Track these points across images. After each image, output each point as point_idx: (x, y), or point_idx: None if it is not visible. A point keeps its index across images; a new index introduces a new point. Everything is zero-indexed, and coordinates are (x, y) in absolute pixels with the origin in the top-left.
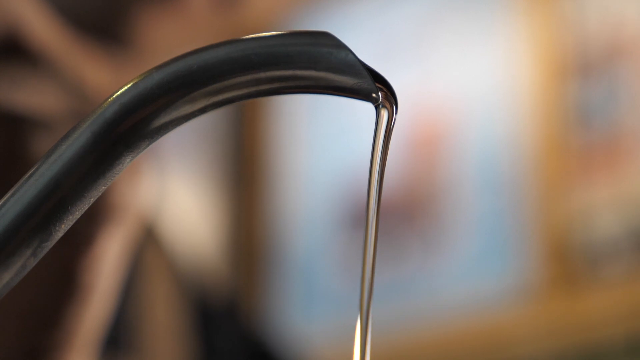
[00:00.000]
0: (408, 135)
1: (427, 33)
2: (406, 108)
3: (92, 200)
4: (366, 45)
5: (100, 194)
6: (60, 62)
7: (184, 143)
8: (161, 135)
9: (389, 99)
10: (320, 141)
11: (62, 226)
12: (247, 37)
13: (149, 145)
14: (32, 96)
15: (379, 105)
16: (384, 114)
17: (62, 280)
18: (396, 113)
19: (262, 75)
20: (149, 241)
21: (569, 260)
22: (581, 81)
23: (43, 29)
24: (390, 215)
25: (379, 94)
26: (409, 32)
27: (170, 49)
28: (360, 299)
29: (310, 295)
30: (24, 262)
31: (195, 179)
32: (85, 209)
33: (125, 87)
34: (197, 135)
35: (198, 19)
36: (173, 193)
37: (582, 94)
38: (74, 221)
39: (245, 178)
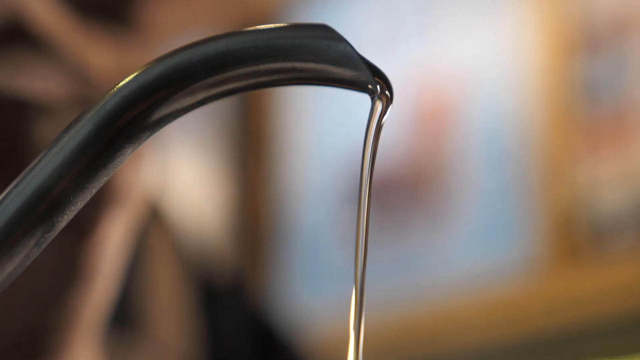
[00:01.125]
0: (414, 111)
1: (433, 8)
2: (412, 84)
3: (94, 191)
4: (372, 20)
5: (102, 184)
6: (64, 46)
7: (188, 121)
8: (161, 127)
9: (386, 91)
10: (326, 117)
11: (65, 217)
12: (247, 29)
13: (149, 136)
14: (35, 81)
15: (374, 97)
16: (379, 105)
17: (65, 263)
18: (391, 105)
19: (262, 67)
20: (152, 221)
21: (574, 236)
22: (588, 56)
23: (46, 12)
24: (395, 190)
25: (377, 86)
26: (415, 7)
27: (174, 31)
28: (355, 280)
29: (316, 272)
30: (27, 253)
31: (199, 157)
32: (88, 199)
33: (127, 80)
34: (201, 112)
35: (202, 0)
36: (177, 172)
37: (589, 69)
38: (76, 211)
39: (249, 155)
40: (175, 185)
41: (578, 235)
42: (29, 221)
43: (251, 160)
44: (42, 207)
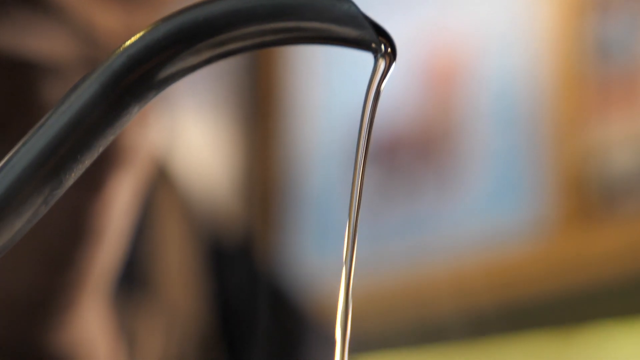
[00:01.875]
0: (423, 71)
1: None
2: (422, 43)
3: (100, 150)
4: None
5: (108, 143)
6: (70, 7)
7: (197, 82)
8: (167, 86)
9: (389, 50)
10: (336, 78)
11: (72, 175)
12: None
13: (155, 95)
14: (42, 42)
15: (377, 56)
16: (382, 64)
17: (74, 222)
18: (394, 64)
19: (266, 26)
20: (160, 181)
21: (585, 196)
22: (600, 14)
23: None
24: (405, 151)
25: (380, 45)
26: None
27: None
28: (346, 242)
29: (325, 233)
30: (36, 210)
31: (208, 118)
32: (95, 157)
33: (133, 39)
34: (210, 71)
35: None
36: (185, 133)
37: (601, 28)
38: (84, 170)
39: (259, 115)
40: (183, 146)
41: (589, 196)
42: (36, 179)
43: (260, 122)
44: (49, 165)
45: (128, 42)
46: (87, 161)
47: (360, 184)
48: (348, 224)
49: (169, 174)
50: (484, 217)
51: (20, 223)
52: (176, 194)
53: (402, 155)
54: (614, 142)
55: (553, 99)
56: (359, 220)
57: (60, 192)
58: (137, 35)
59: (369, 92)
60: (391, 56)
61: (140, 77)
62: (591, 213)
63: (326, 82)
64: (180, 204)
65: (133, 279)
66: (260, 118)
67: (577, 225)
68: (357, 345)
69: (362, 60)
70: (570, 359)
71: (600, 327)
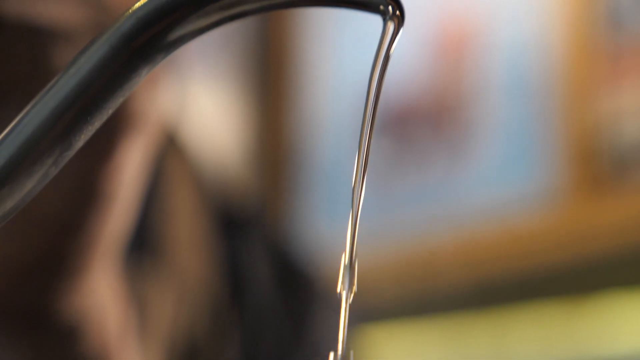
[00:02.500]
0: (435, 40)
1: None
2: (434, 12)
3: (110, 112)
4: None
5: (118, 105)
6: None
7: (207, 48)
8: (176, 48)
9: (397, 12)
10: (348, 46)
11: (82, 136)
12: None
13: (164, 57)
14: (52, 7)
15: (386, 18)
16: (390, 27)
17: (84, 188)
18: (402, 27)
19: None
20: (171, 149)
21: (596, 166)
22: None
23: None
24: (416, 121)
25: (388, 7)
26: None
27: None
28: (351, 211)
29: (335, 202)
30: (46, 171)
31: (218, 84)
32: (104, 119)
33: (142, 1)
34: (221, 39)
35: None
36: (196, 100)
37: None
38: (94, 131)
39: (270, 83)
40: (194, 115)
41: (599, 166)
42: (47, 140)
43: (271, 90)
44: (59, 127)
45: (137, 5)
46: (97, 123)
47: (367, 149)
48: (353, 187)
49: (179, 142)
50: (495, 187)
51: (31, 184)
52: (186, 162)
53: (413, 126)
54: (624, 112)
55: (564, 68)
56: (364, 185)
57: (71, 153)
58: None
59: (378, 56)
60: (399, 19)
61: (149, 40)
62: (602, 183)
63: (337, 50)
64: (191, 171)
65: (144, 245)
66: (271, 86)
67: (587, 195)
68: (369, 314)
69: (373, 27)
70: (580, 327)
71: (610, 296)
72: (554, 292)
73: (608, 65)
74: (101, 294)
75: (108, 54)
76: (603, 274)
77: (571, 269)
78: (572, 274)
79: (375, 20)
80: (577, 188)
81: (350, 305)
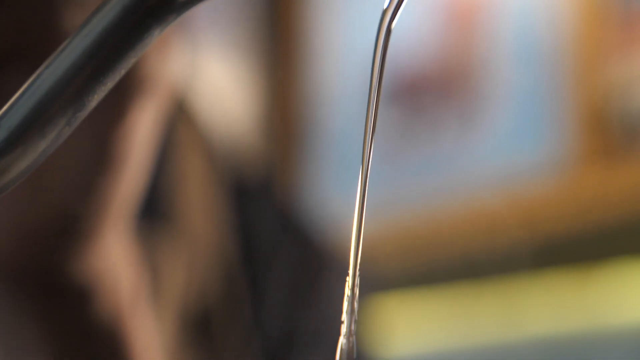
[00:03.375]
0: (444, 9)
1: None
2: None
3: (122, 72)
4: None
5: (130, 65)
6: None
7: (218, 17)
8: (188, 9)
9: None
10: (357, 15)
11: (95, 97)
12: None
13: (176, 18)
14: None
15: None
16: None
17: (97, 150)
18: None
19: None
20: (181, 116)
21: (606, 133)
22: None
23: None
24: (425, 90)
25: None
26: None
27: None
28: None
29: (345, 171)
30: (59, 132)
31: (229, 53)
32: (117, 80)
33: None
34: (231, 8)
35: None
36: (206, 68)
37: None
38: (106, 92)
39: (280, 51)
40: (204, 83)
41: (610, 133)
42: (60, 100)
43: (282, 58)
44: (72, 87)
45: None
46: (110, 83)
47: (375, 115)
48: (363, 154)
49: (189, 110)
50: (505, 156)
51: (45, 144)
52: (197, 129)
53: (423, 95)
54: (635, 79)
55: (574, 36)
56: (372, 154)
57: (83, 114)
58: None
59: (382, 22)
60: None
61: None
62: (612, 150)
63: (346, 19)
64: (201, 139)
65: (155, 211)
66: (281, 54)
67: (598, 162)
68: (378, 284)
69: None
70: (590, 295)
71: (621, 263)
72: (564, 261)
73: (618, 32)
74: (114, 258)
75: (120, 14)
76: (614, 241)
77: (582, 236)
78: (583, 241)
79: None
80: (587, 156)
81: (359, 275)
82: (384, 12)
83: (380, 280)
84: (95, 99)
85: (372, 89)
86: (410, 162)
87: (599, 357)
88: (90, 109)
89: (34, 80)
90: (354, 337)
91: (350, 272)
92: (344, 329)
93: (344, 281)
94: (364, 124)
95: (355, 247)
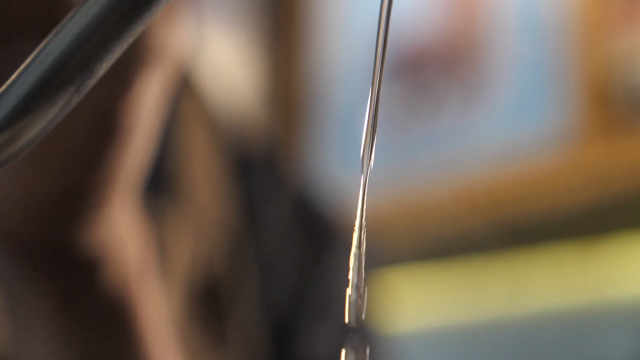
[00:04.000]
0: None
1: None
2: None
3: (130, 40)
4: None
5: (138, 33)
6: None
7: None
8: None
9: None
10: None
11: (104, 64)
12: None
13: None
14: None
15: None
16: None
17: (103, 120)
18: None
19: None
20: (186, 90)
21: (611, 106)
22: None
23: None
24: (430, 65)
25: None
26: None
27: None
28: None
29: (349, 145)
30: (68, 99)
31: (233, 27)
32: (125, 48)
33: None
34: None
35: None
36: (211, 42)
37: None
38: (114, 60)
39: (284, 26)
40: (209, 56)
41: (614, 106)
42: (69, 67)
43: (287, 32)
44: (81, 54)
45: None
46: (118, 51)
47: (378, 91)
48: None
49: (194, 84)
50: (509, 130)
51: (54, 112)
52: (201, 104)
53: (427, 69)
54: (639, 52)
55: (578, 9)
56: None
57: (92, 81)
58: None
59: None
60: None
61: None
62: (616, 124)
63: None
64: (206, 112)
65: (161, 184)
66: (286, 29)
67: (602, 136)
68: (384, 258)
69: None
70: (594, 269)
71: (625, 237)
72: (569, 234)
73: (622, 5)
74: (121, 229)
75: None
76: (618, 215)
77: (586, 210)
78: (587, 215)
79: None
80: (591, 130)
81: (364, 249)
82: None
83: (385, 255)
84: (103, 67)
85: (377, 61)
86: (414, 137)
87: (603, 331)
88: (99, 76)
89: (43, 48)
90: (364, 295)
91: (357, 222)
92: (351, 284)
93: (349, 253)
94: (368, 98)
95: (361, 202)
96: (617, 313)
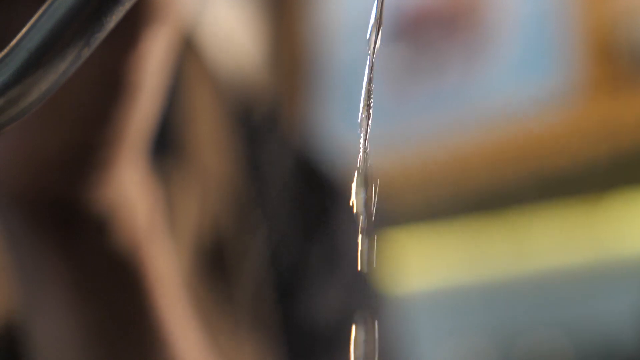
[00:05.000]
0: None
1: None
2: None
3: None
4: None
5: None
6: None
7: None
8: None
9: None
10: None
11: (113, 17)
12: None
13: None
14: None
15: None
16: None
17: (109, 79)
18: None
19: None
20: (189, 50)
21: (614, 63)
22: None
23: None
24: (431, 25)
25: None
26: None
27: None
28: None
29: (353, 106)
30: (78, 53)
31: None
32: (134, 1)
33: None
34: None
35: None
36: (213, 2)
37: None
38: (124, 13)
39: None
40: (212, 18)
41: (618, 63)
42: (79, 21)
43: None
44: (91, 7)
45: None
46: (127, 4)
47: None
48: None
49: (197, 45)
50: (513, 88)
51: (65, 65)
52: (205, 66)
53: (429, 29)
54: None
55: None
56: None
57: (102, 35)
58: None
59: None
60: None
61: None
62: (620, 80)
63: None
64: (209, 75)
65: (166, 145)
66: None
67: (606, 93)
68: (389, 218)
69: None
70: (598, 226)
71: (629, 194)
72: (573, 192)
73: None
74: (130, 187)
75: None
76: (622, 172)
77: (590, 167)
78: (591, 172)
79: None
80: (595, 86)
81: (370, 210)
82: None
83: (389, 215)
84: (113, 20)
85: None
86: (417, 97)
87: (609, 288)
88: (108, 30)
89: (53, 2)
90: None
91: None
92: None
93: (353, 211)
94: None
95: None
96: (622, 270)
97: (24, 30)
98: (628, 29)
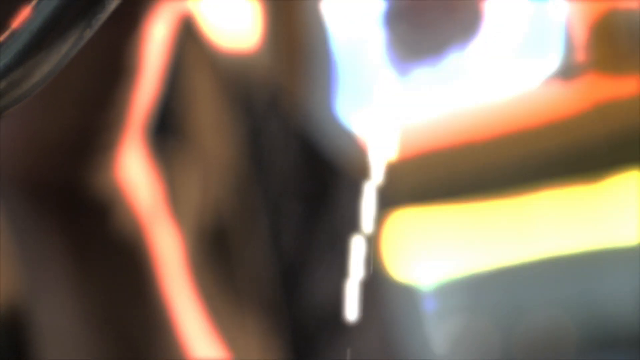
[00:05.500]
0: None
1: None
2: None
3: None
4: None
5: None
6: None
7: None
8: None
9: None
10: None
11: None
12: None
13: None
14: None
15: None
16: None
17: (112, 61)
18: None
19: None
20: (190, 34)
21: (615, 41)
22: None
23: None
24: (431, 5)
25: None
26: None
27: None
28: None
29: (355, 88)
30: (80, 34)
31: None
32: None
33: None
34: None
35: None
36: None
37: None
38: None
39: None
40: (213, 1)
41: (619, 41)
42: (80, 1)
43: None
44: None
45: None
46: None
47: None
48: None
49: (196, 29)
50: (514, 66)
51: (67, 47)
52: (205, 49)
53: (429, 8)
54: None
55: None
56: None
57: (104, 15)
58: None
59: None
60: None
61: None
62: (621, 58)
63: None
64: (209, 59)
65: (167, 128)
66: None
67: (607, 71)
68: (391, 198)
69: None
70: (600, 206)
71: (634, 174)
72: (577, 171)
73: None
74: (132, 170)
75: None
76: (625, 152)
77: (592, 147)
78: (594, 152)
79: None
80: (596, 64)
81: (374, 190)
82: None
83: (393, 196)
84: (114, 0)
85: None
86: (418, 76)
87: (613, 271)
88: (110, 10)
89: None
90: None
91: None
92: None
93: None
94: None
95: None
96: (625, 252)
97: (26, 11)
98: (629, 7)
